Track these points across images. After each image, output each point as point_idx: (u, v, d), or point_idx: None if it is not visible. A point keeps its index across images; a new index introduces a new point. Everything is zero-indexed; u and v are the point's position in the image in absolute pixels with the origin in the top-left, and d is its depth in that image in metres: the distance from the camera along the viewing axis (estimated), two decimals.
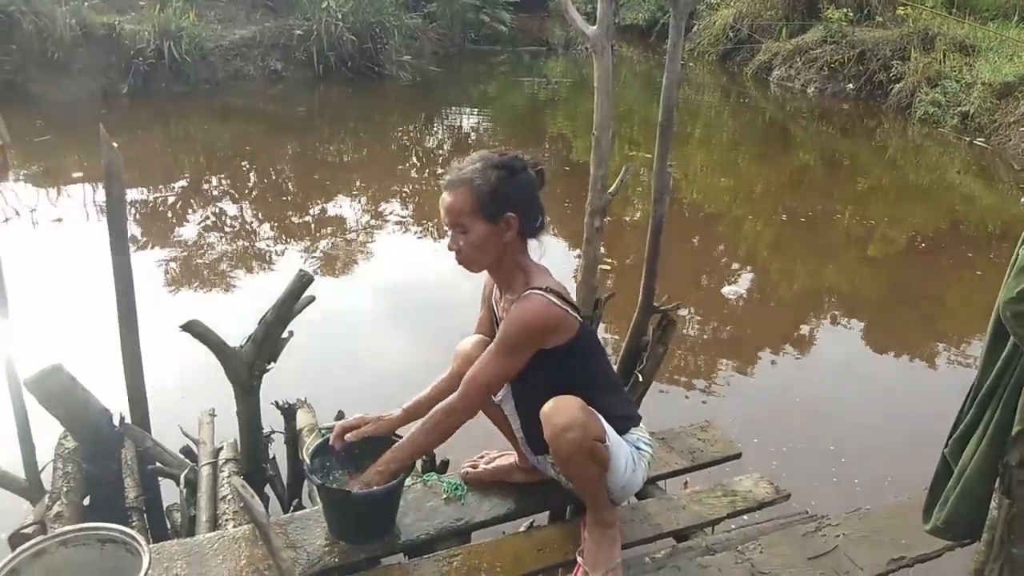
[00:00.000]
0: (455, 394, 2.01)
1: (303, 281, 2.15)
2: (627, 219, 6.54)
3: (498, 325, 2.09)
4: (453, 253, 1.98)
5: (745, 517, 2.45)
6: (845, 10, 12.46)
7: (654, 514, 2.32)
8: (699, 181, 8.55)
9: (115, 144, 2.24)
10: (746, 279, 5.50)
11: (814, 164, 9.44)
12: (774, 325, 5.10)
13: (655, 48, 15.46)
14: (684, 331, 4.84)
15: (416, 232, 6.39)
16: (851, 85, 11.81)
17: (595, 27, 2.35)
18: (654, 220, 2.42)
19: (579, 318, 2.01)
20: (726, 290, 5.25)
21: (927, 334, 4.98)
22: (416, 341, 4.46)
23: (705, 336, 4.94)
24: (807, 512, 2.38)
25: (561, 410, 1.91)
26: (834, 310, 5.34)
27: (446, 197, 1.95)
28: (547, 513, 2.56)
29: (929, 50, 10.86)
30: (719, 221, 7.28)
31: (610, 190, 2.44)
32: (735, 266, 5.99)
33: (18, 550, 1.78)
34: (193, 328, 2.14)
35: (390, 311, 5.03)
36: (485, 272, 2.12)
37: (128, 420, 2.51)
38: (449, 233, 1.98)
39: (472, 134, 10.58)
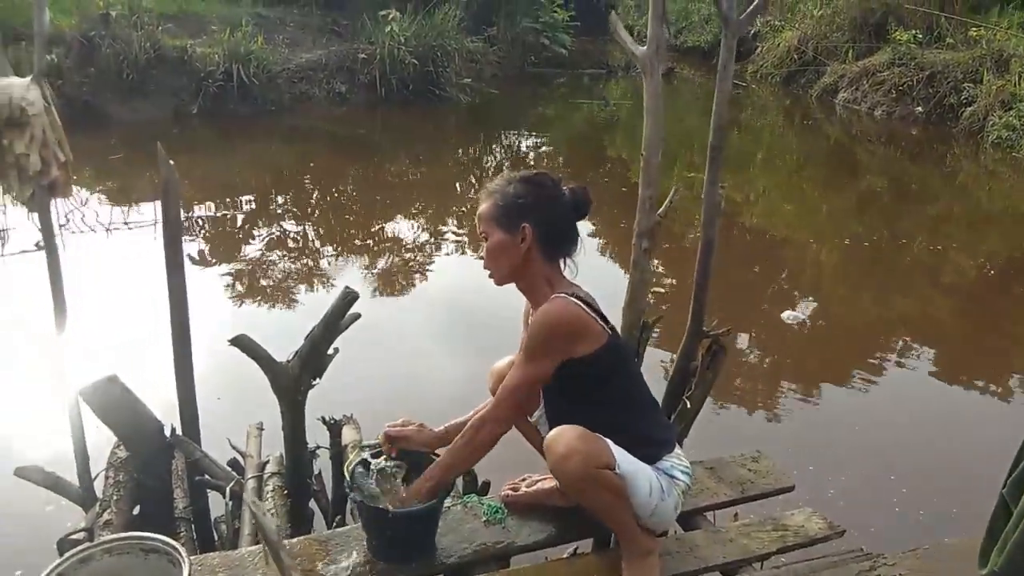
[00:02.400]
0: (486, 411, 2.02)
1: (348, 298, 2.17)
2: (688, 243, 6.45)
3: None
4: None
5: (796, 553, 2.35)
6: (914, 32, 12.14)
7: (700, 546, 2.24)
8: (761, 205, 8.39)
9: (174, 163, 2.30)
10: (807, 305, 5.35)
11: (881, 189, 9.18)
12: (835, 353, 4.94)
13: (717, 70, 15.31)
14: (740, 356, 4.72)
15: (472, 252, 6.42)
16: (920, 108, 11.47)
17: (644, 47, 2.33)
18: (704, 242, 2.37)
19: (607, 329, 2.00)
20: (786, 315, 5.12)
21: (998, 367, 4.75)
22: (467, 361, 4.46)
23: (762, 362, 4.82)
24: (862, 549, 2.27)
25: (560, 439, 1.90)
26: (899, 339, 5.15)
27: (480, 207, 2.07)
28: (591, 541, 2.51)
29: (1003, 72, 10.48)
30: (781, 246, 7.13)
31: (659, 211, 2.40)
32: (796, 292, 5.84)
33: (65, 556, 1.82)
34: (241, 342, 2.18)
35: (443, 330, 5.05)
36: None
37: (179, 431, 2.56)
38: None
39: (530, 155, 10.62)
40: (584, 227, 2.16)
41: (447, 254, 6.44)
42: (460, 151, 10.66)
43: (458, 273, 6.06)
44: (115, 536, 1.92)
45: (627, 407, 2.05)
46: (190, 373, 2.44)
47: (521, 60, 15.30)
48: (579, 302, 1.95)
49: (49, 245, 2.23)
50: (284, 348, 2.38)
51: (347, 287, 2.17)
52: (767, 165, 10.26)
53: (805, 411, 4.14)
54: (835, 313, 5.58)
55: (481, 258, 2.10)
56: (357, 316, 2.29)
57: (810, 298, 5.54)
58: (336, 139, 10.56)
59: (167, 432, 2.53)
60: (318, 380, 2.37)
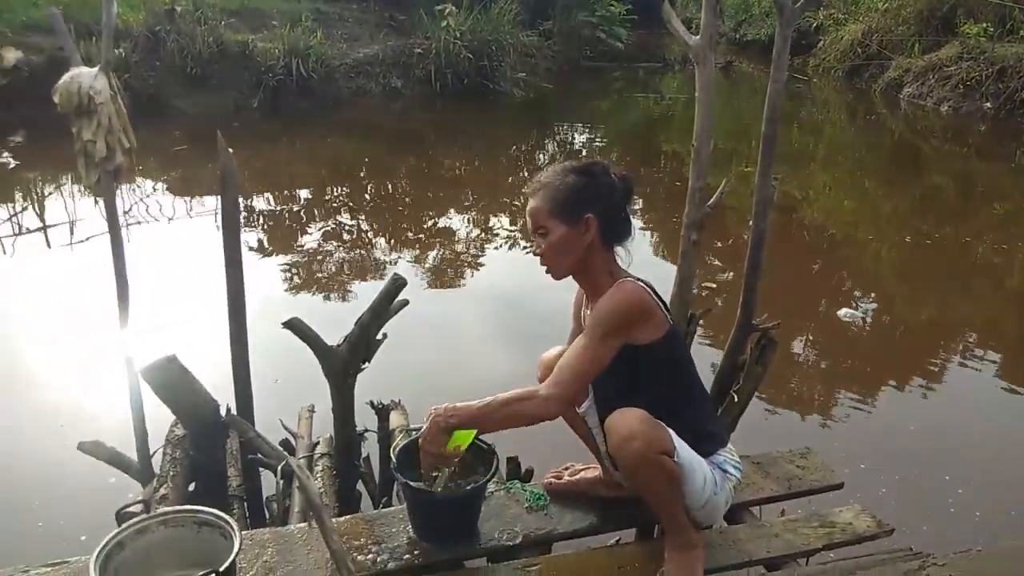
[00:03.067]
0: (543, 385, 1.97)
1: (397, 284, 2.21)
2: (742, 239, 6.36)
3: None
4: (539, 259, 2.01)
5: (842, 551, 2.30)
6: (985, 25, 11.73)
7: (744, 540, 2.22)
8: (821, 202, 8.22)
9: (233, 151, 2.37)
10: (865, 304, 5.23)
11: (946, 187, 8.90)
12: (892, 353, 4.82)
13: None
14: (794, 352, 4.65)
15: (523, 245, 6.44)
16: (989, 104, 11.09)
17: (697, 37, 2.31)
18: (755, 234, 2.34)
19: (669, 318, 1.99)
20: (843, 312, 5.01)
21: None
22: (514, 351, 4.49)
23: (816, 360, 4.73)
24: (911, 549, 2.22)
25: (623, 420, 1.89)
26: (960, 342, 5.00)
27: (530, 202, 2.00)
28: (634, 531, 2.51)
29: None
30: (842, 244, 6.97)
31: (709, 203, 2.38)
32: (856, 291, 5.71)
33: (123, 526, 1.90)
34: (293, 325, 2.23)
35: (491, 321, 5.08)
36: (577, 286, 2.13)
37: (234, 412, 2.64)
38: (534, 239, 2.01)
39: (583, 150, 10.58)
40: (635, 222, 2.14)
41: (496, 247, 6.47)
42: (514, 146, 10.67)
43: (507, 266, 6.09)
44: (170, 509, 2.00)
45: (683, 399, 2.04)
46: (245, 355, 2.51)
47: (576, 54, 15.27)
48: (645, 287, 1.95)
49: (113, 230, 2.32)
50: (336, 334, 2.43)
51: (396, 274, 2.21)
52: (828, 161, 10.04)
53: (859, 411, 4.05)
54: (895, 313, 5.45)
55: (532, 252, 2.09)
56: (405, 303, 2.33)
57: (870, 298, 5.41)
58: (391, 133, 10.69)
59: (222, 412, 2.61)
60: (367, 364, 2.42)
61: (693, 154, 2.35)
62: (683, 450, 1.93)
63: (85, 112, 2.11)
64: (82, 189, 7.23)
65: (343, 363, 2.32)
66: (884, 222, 7.61)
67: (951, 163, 9.95)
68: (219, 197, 2.41)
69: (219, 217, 2.57)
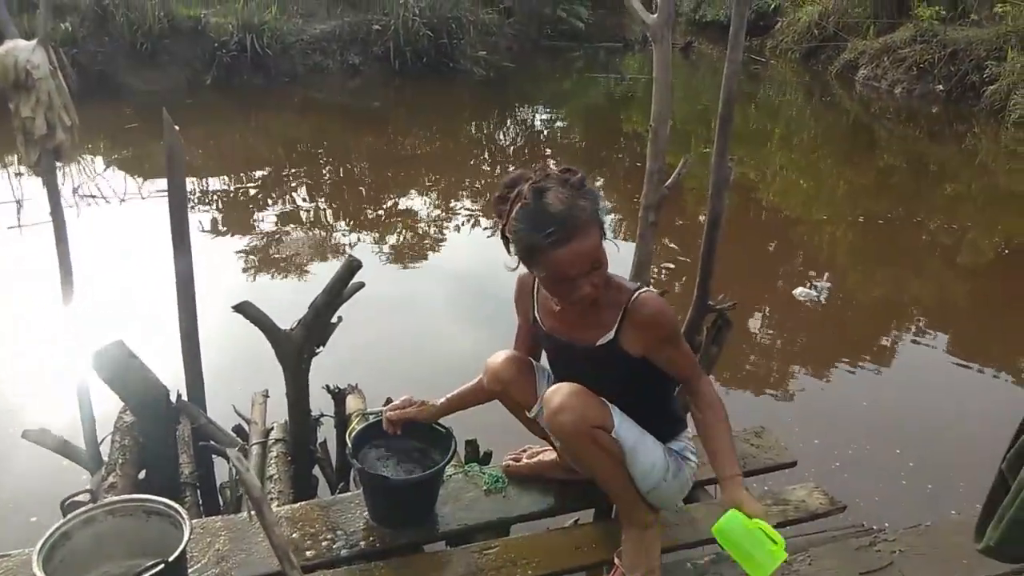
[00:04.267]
0: (704, 393, 1.94)
1: (351, 267, 2.17)
2: (700, 220, 6.39)
3: (544, 337, 2.04)
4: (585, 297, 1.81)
5: (796, 528, 2.34)
6: (937, 7, 11.92)
7: (699, 519, 2.25)
8: (777, 183, 8.31)
9: (187, 134, 2.30)
10: (820, 284, 5.31)
11: (899, 168, 9.06)
12: (846, 331, 4.90)
13: None
14: (749, 333, 4.70)
15: (484, 226, 6.41)
16: (941, 86, 11.29)
17: (655, 16, 2.29)
18: (711, 215, 2.34)
19: None
20: (798, 292, 5.08)
21: (1012, 349, 4.70)
22: (473, 334, 4.47)
23: (771, 339, 4.79)
24: (863, 525, 2.27)
25: (557, 393, 1.89)
26: (912, 320, 5.10)
27: (578, 245, 1.72)
28: (592, 512, 2.51)
29: None
30: (797, 224, 7.07)
31: (667, 184, 2.38)
32: (811, 271, 5.79)
33: (69, 516, 1.85)
34: (245, 309, 2.18)
35: (451, 304, 5.05)
36: (518, 277, 2.08)
37: (185, 398, 2.58)
38: (575, 284, 1.78)
39: (544, 131, 10.55)
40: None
41: (456, 228, 6.43)
42: (474, 125, 10.59)
43: (466, 247, 6.06)
44: (118, 498, 1.95)
45: (663, 393, 2.04)
46: (195, 338, 2.46)
47: (537, 33, 15.19)
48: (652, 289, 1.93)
49: (55, 210, 2.23)
50: (292, 316, 2.38)
51: (351, 256, 2.17)
52: (784, 143, 10.15)
53: (813, 388, 4.12)
54: (848, 291, 5.54)
55: (588, 293, 1.80)
56: (361, 285, 2.30)
57: (824, 278, 5.49)
58: (349, 111, 10.54)
59: (172, 398, 2.55)
60: (321, 348, 2.38)
61: (651, 135, 2.34)
62: (627, 429, 1.92)
63: (23, 87, 2.02)
64: (28, 169, 7.00)
65: (297, 347, 2.28)
66: (839, 202, 7.72)
67: (904, 145, 10.12)
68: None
69: (166, 196, 2.49)
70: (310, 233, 6.22)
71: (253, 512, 1.67)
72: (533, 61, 14.45)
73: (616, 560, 2.01)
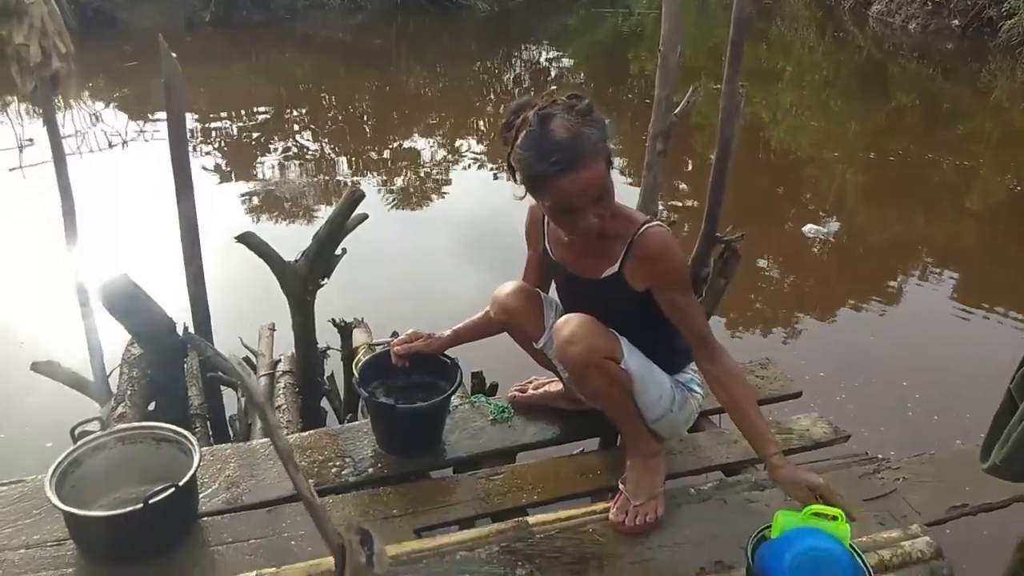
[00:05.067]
0: (711, 355, 1.88)
1: (354, 197, 2.15)
2: (709, 160, 6.30)
3: (561, 267, 2.03)
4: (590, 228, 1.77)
5: (800, 456, 2.35)
6: None
7: (704, 447, 2.26)
8: (788, 122, 8.18)
9: (186, 69, 2.24)
10: (830, 222, 5.26)
11: (911, 106, 8.90)
12: (854, 270, 4.88)
13: None
14: (757, 269, 4.68)
15: (489, 167, 6.35)
16: (956, 21, 11.01)
17: None
18: (721, 142, 2.29)
19: None
20: (807, 228, 5.03)
21: (1021, 287, 4.67)
22: (477, 269, 4.47)
23: (780, 276, 4.77)
24: (866, 453, 2.28)
25: (567, 324, 1.87)
26: (922, 259, 5.07)
27: (582, 175, 1.67)
28: (597, 441, 2.53)
29: None
30: (807, 164, 6.97)
31: (675, 112, 2.33)
32: (821, 211, 5.73)
33: (80, 443, 1.87)
34: (248, 240, 2.17)
35: (454, 244, 5.04)
36: (529, 207, 2.04)
37: (191, 331, 2.59)
38: (577, 214, 1.74)
39: (551, 70, 10.36)
40: None
41: (463, 168, 6.37)
42: (478, 64, 10.41)
43: (471, 187, 6.01)
44: (127, 425, 1.97)
45: (663, 322, 2.02)
46: (200, 271, 2.45)
47: None
48: (662, 223, 1.88)
49: (54, 141, 2.21)
50: (296, 255, 2.37)
51: (353, 186, 2.14)
52: (795, 81, 9.96)
53: (819, 325, 4.12)
54: (857, 231, 5.50)
55: (591, 226, 1.75)
56: (364, 216, 2.28)
57: (833, 217, 5.44)
58: (351, 49, 10.35)
59: (179, 331, 2.55)
60: (326, 280, 2.37)
61: (660, 60, 2.29)
62: (635, 359, 1.91)
63: (14, 13, 1.98)
64: (30, 110, 6.94)
65: (301, 279, 2.27)
66: (849, 141, 7.61)
67: (918, 83, 9.92)
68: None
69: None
70: (313, 175, 6.17)
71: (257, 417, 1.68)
72: None
73: (621, 486, 2.02)
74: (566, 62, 10.80)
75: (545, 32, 12.20)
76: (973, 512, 2.08)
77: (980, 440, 2.06)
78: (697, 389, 2.08)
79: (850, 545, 1.69)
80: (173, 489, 1.70)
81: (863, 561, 1.63)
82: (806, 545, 1.67)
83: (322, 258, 2.27)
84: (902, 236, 5.43)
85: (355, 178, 6.13)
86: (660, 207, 2.85)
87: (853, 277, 4.72)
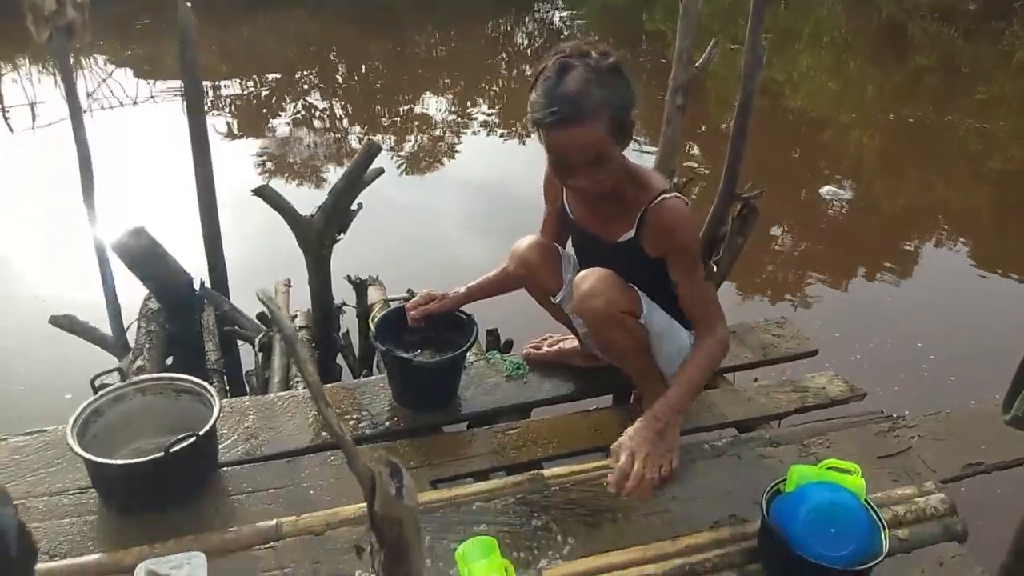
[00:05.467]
0: (709, 330, 1.88)
1: (371, 151, 2.14)
2: (725, 127, 6.25)
3: (577, 224, 2.01)
4: (581, 189, 1.80)
5: (816, 414, 2.35)
6: None
7: (717, 404, 2.27)
8: (805, 85, 8.04)
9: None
10: (847, 185, 5.20)
11: (931, 69, 8.73)
12: (871, 234, 4.84)
13: None
14: (773, 235, 4.64)
15: (500, 131, 6.30)
16: None
17: None
18: (743, 96, 2.24)
19: None
20: (824, 190, 4.98)
21: None
22: (492, 234, 4.45)
23: (796, 239, 4.74)
24: (882, 411, 2.28)
25: (587, 279, 1.87)
26: (939, 223, 5.01)
27: (573, 134, 1.64)
28: (611, 398, 2.54)
29: None
30: (824, 127, 6.87)
31: (697, 64, 2.29)
32: (837, 174, 5.66)
33: (100, 393, 1.89)
34: (264, 192, 2.17)
35: (470, 204, 5.02)
36: (546, 168, 2.03)
37: (208, 286, 2.60)
38: (568, 171, 1.74)
39: (564, 31, 10.21)
40: None
41: (474, 132, 6.32)
42: (490, 23, 10.27)
43: (484, 151, 5.97)
44: (147, 376, 1.98)
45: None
46: (216, 225, 2.46)
47: None
48: (680, 195, 1.84)
49: (69, 91, 2.20)
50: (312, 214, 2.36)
51: (370, 139, 2.13)
52: (813, 42, 9.78)
53: (836, 287, 4.10)
54: (874, 195, 5.43)
55: (582, 188, 1.78)
56: (381, 171, 2.27)
57: (849, 181, 5.37)
58: (361, 6, 10.21)
59: (196, 286, 2.57)
60: (342, 235, 2.37)
61: (681, 10, 2.24)
62: (655, 315, 1.91)
63: None
64: (41, 68, 6.91)
65: (318, 233, 2.27)
66: (868, 106, 7.49)
67: (938, 45, 9.72)
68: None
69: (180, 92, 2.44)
70: (325, 137, 6.14)
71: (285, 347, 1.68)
72: None
73: None
74: (579, 22, 10.66)
75: None
76: (988, 470, 2.09)
77: (996, 400, 2.05)
78: None
79: (865, 500, 1.70)
80: (194, 438, 1.73)
81: (878, 516, 1.64)
82: (821, 499, 1.68)
83: (338, 212, 2.27)
84: (919, 200, 5.36)
85: (365, 137, 6.09)
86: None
87: (868, 241, 4.68)
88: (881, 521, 1.63)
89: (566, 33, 10.09)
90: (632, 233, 1.87)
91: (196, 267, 2.60)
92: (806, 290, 4.08)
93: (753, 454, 2.06)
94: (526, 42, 9.89)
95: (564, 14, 10.97)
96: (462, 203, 5.07)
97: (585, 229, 2.00)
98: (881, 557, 1.55)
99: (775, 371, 2.65)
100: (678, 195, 1.85)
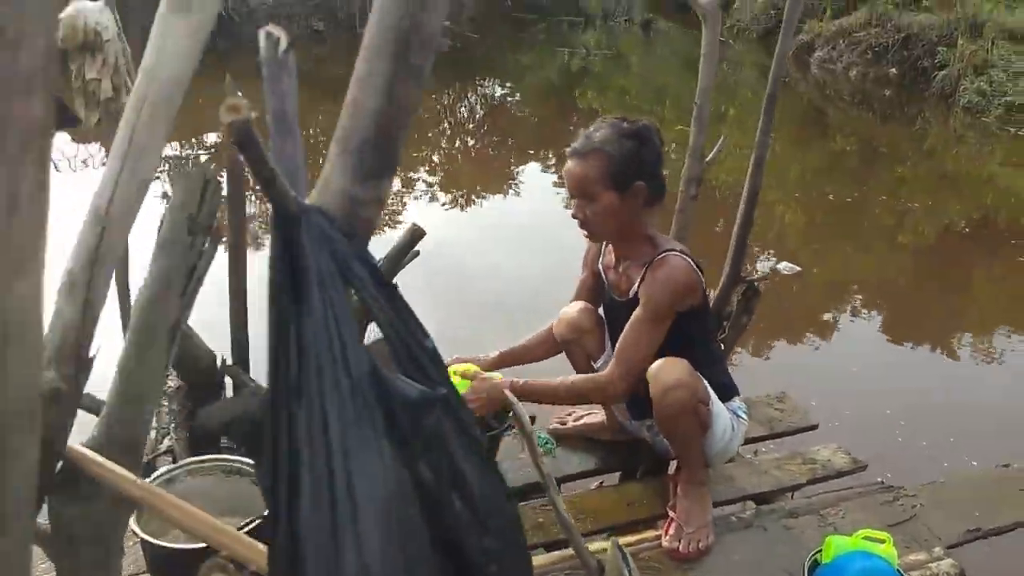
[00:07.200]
0: (610, 371, 2.00)
1: (415, 235, 2.22)
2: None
3: (608, 291, 2.15)
4: (576, 222, 2.03)
5: (823, 485, 2.50)
6: None
7: (737, 477, 2.39)
8: (730, 163, 8.49)
9: None
10: (767, 264, 5.51)
11: (851, 150, 9.35)
12: (814, 304, 5.14)
13: (696, 23, 15.28)
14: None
15: (443, 200, 6.52)
16: (894, 70, 11.66)
17: None
18: (749, 189, 2.46)
19: (703, 282, 2.06)
20: (782, 266, 5.27)
21: (946, 324, 4.96)
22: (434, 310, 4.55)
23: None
24: (882, 482, 2.45)
25: (669, 369, 1.95)
26: (857, 296, 5.34)
27: (573, 166, 1.95)
28: (639, 471, 2.62)
29: (977, 37, 10.68)
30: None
31: (707, 158, 2.49)
32: (765, 252, 5.96)
33: (152, 477, 1.87)
34: None
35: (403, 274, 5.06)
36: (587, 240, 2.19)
37: (229, 362, 2.59)
38: (574, 202, 2.01)
39: (504, 104, 10.57)
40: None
41: (416, 198, 6.50)
42: (434, 96, 10.54)
43: (430, 218, 6.08)
44: (197, 458, 1.97)
45: (710, 354, 2.13)
46: (244, 304, 2.48)
47: (499, 2, 15.12)
48: (687, 256, 1.99)
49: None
50: None
51: (414, 224, 2.22)
52: (739, 123, 10.34)
53: (815, 351, 4.37)
54: (806, 268, 5.73)
55: (576, 218, 2.00)
56: (417, 253, 2.34)
57: (773, 257, 5.69)
58: (315, 79, 10.34)
59: (217, 362, 2.56)
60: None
61: (695, 111, 2.45)
62: (715, 400, 2.04)
63: (90, 49, 2.00)
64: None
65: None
66: (793, 184, 7.90)
67: (858, 128, 10.43)
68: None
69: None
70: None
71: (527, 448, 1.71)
72: (496, 32, 14.38)
73: (671, 513, 2.12)
74: (517, 97, 11.08)
75: (500, 68, 12.41)
76: (985, 535, 2.27)
77: (965, 463, 2.24)
78: (744, 417, 2.20)
79: (897, 568, 1.84)
80: (260, 520, 1.73)
81: None
82: (860, 568, 1.81)
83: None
84: (843, 273, 5.71)
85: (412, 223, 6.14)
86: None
87: (815, 312, 4.99)
88: None
89: (506, 107, 10.44)
90: (635, 288, 2.04)
91: (215, 334, 2.58)
92: (771, 357, 4.31)
93: (777, 526, 2.18)
94: (467, 114, 10.19)
95: (504, 89, 11.36)
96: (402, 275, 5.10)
97: (608, 290, 2.17)
98: None
99: (774, 444, 2.80)
100: (682, 255, 2.00)
